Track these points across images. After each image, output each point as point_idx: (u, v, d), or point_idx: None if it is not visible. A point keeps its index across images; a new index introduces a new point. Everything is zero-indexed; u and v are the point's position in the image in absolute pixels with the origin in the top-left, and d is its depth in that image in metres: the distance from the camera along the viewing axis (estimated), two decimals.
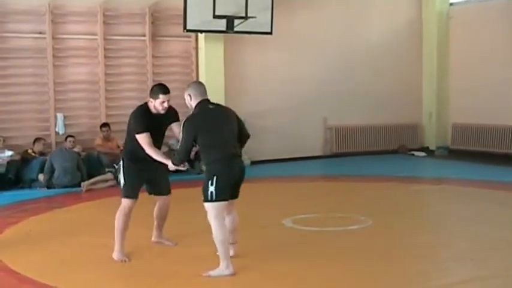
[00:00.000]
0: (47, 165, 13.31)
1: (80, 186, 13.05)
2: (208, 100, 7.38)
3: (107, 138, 14.67)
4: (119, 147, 14.53)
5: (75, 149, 13.90)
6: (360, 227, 9.36)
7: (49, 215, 10.86)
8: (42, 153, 13.92)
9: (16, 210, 11.07)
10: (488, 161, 16.08)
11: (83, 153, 14.18)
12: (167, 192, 8.28)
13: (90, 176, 13.50)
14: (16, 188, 13.29)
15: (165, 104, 7.74)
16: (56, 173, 13.23)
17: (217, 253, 7.20)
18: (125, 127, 14.61)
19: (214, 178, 7.06)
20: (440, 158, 17.45)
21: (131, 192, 7.84)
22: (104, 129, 14.64)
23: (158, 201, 8.30)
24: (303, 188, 13.51)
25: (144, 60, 15.52)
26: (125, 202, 7.85)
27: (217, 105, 7.48)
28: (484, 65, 17.20)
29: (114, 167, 13.83)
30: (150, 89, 8.08)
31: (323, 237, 8.90)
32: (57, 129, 14.52)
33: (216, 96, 15.54)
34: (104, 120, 14.85)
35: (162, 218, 8.39)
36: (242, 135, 7.67)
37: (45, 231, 9.61)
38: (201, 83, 7.77)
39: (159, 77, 15.53)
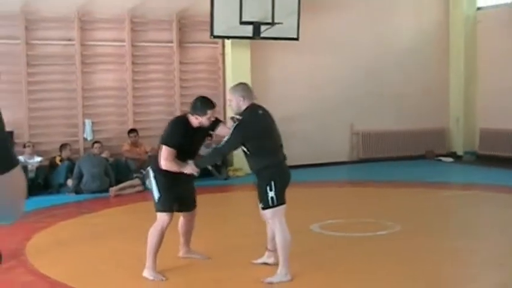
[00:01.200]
0: (75, 171, 13.44)
1: (108, 191, 13.17)
2: (256, 104, 7.33)
3: (134, 144, 14.77)
4: (146, 152, 14.66)
5: (103, 155, 14.01)
6: (388, 233, 9.36)
7: (78, 220, 11.00)
8: (69, 159, 14.04)
9: (45, 215, 11.17)
10: None
11: (111, 159, 14.28)
12: (194, 207, 7.92)
13: (118, 182, 13.61)
14: (45, 193, 13.42)
15: (212, 118, 7.38)
16: (84, 179, 13.36)
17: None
18: (152, 133, 14.85)
19: (273, 183, 7.01)
20: (468, 164, 17.36)
21: (168, 206, 7.40)
22: (131, 135, 14.74)
23: (183, 216, 7.91)
24: (330, 193, 13.52)
25: (172, 66, 15.63)
26: (162, 217, 7.37)
27: (264, 109, 7.40)
28: (511, 70, 17.13)
29: (142, 172, 13.93)
30: (193, 103, 7.44)
31: (351, 243, 8.91)
32: (85, 135, 14.66)
33: None
34: (131, 126, 14.96)
35: (189, 233, 8.05)
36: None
37: (75, 236, 9.72)
38: (248, 85, 7.70)
39: (186, 83, 15.67)
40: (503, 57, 17.43)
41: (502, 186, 13.35)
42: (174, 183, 7.35)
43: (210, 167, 15.02)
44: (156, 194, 7.39)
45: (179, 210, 7.73)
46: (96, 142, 14.17)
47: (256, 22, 14.96)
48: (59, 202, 12.51)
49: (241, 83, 7.65)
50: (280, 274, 6.99)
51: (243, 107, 7.19)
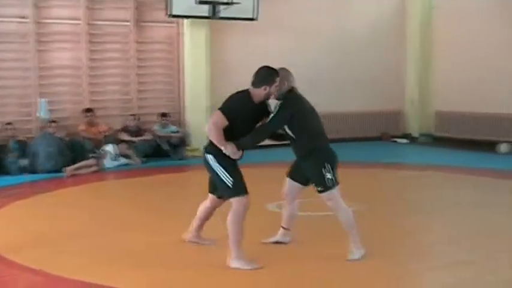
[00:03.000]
0: (30, 150, 13.27)
1: (63, 171, 13.01)
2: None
3: (90, 124, 14.64)
4: (101, 132, 14.57)
5: (59, 134, 13.85)
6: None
7: (33, 200, 10.84)
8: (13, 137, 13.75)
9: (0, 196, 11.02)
10: (471, 148, 16.20)
11: (67, 139, 14.13)
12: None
13: (73, 161, 13.46)
14: None
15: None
16: (39, 158, 13.19)
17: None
18: (108, 112, 14.74)
19: (328, 165, 6.96)
20: (424, 145, 17.56)
21: (243, 188, 6.92)
22: (87, 114, 14.62)
23: (212, 202, 7.50)
24: None
25: (128, 45, 15.51)
26: (242, 201, 6.86)
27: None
28: (466, 54, 17.33)
29: (98, 152, 13.85)
30: (260, 74, 7.15)
31: (309, 221, 8.93)
32: (38, 114, 14.41)
33: (200, 82, 15.72)
34: (87, 106, 14.80)
35: (206, 219, 7.64)
36: None
37: (31, 216, 9.61)
38: (289, 70, 7.42)
39: (142, 63, 15.60)
40: (457, 42, 17.69)
41: (458, 167, 13.51)
42: (235, 163, 6.97)
43: (165, 147, 14.97)
44: (227, 180, 6.83)
45: (213, 192, 7.42)
46: (52, 121, 14.01)
47: (214, 2, 14.92)
48: (14, 182, 12.34)
49: (281, 68, 7.35)
50: (357, 250, 6.96)
51: (285, 90, 7.08)
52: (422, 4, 18.70)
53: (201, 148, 15.38)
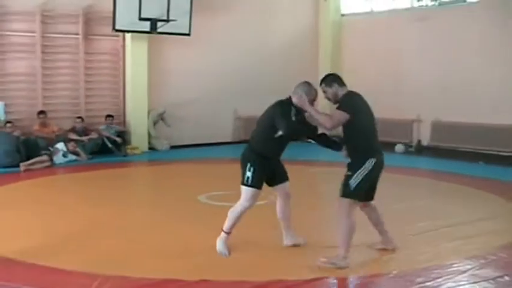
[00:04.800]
0: None
1: (18, 167, 12.89)
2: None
3: (43, 124, 14.52)
4: (54, 132, 14.51)
5: (15, 133, 13.70)
6: (265, 203, 9.55)
7: None
8: None
9: None
10: None
11: (22, 137, 13.97)
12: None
13: (28, 158, 13.31)
14: None
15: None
16: None
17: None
18: (59, 115, 14.64)
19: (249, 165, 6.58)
20: None
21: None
22: (41, 116, 14.49)
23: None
24: (217, 169, 13.70)
25: (77, 56, 15.36)
26: (351, 202, 6.36)
27: None
28: (371, 66, 17.77)
29: (50, 149, 13.77)
30: (325, 77, 6.73)
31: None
32: None
33: (140, 88, 15.78)
34: (41, 108, 14.68)
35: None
36: None
37: None
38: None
39: (90, 71, 15.55)
40: (363, 57, 18.08)
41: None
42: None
43: (109, 145, 14.95)
44: (355, 181, 6.29)
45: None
46: (8, 122, 13.85)
47: (154, 19, 14.98)
48: None
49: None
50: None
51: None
52: (333, 22, 19.04)
53: (141, 146, 15.64)
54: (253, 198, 6.70)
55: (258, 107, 17.86)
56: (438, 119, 16.37)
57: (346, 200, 6.32)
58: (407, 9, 17.48)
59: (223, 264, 6.49)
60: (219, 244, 6.78)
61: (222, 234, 6.82)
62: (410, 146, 16.58)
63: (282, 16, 18.68)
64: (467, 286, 5.86)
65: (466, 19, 15.77)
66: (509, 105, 14.77)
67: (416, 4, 17.48)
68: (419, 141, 16.65)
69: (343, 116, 6.29)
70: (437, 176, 12.57)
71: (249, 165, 6.61)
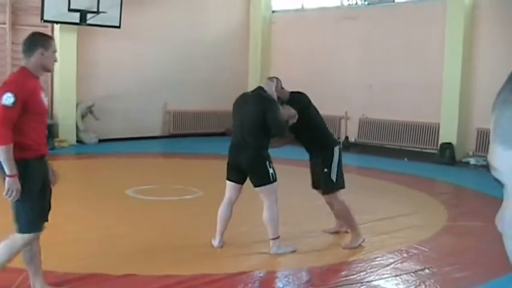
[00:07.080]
0: None
1: None
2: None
3: None
4: None
5: None
6: (193, 197, 9.60)
7: None
8: None
9: None
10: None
11: None
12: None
13: None
14: None
15: None
16: None
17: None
18: None
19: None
20: None
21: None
22: None
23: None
24: (145, 163, 13.61)
25: (4, 46, 14.99)
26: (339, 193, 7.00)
27: (251, 92, 7.35)
28: (300, 63, 17.91)
29: None
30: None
31: (161, 205, 9.08)
32: None
33: (69, 79, 15.50)
34: None
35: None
36: None
37: None
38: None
39: (17, 62, 15.04)
40: (293, 52, 18.23)
41: (296, 160, 13.94)
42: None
43: None
44: (334, 175, 6.97)
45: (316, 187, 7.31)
46: None
47: (83, 10, 14.72)
48: None
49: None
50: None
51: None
52: (263, 19, 19.11)
53: (68, 139, 15.34)
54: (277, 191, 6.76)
55: (187, 102, 18.22)
56: (365, 116, 16.65)
57: (335, 193, 6.91)
58: (337, 8, 17.70)
59: (149, 258, 6.44)
60: (279, 250, 6.62)
61: (274, 241, 6.65)
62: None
63: (213, 11, 18.64)
64: (389, 279, 6.00)
65: (394, 19, 16.08)
66: (431, 105, 15.12)
67: (346, 2, 17.72)
68: (346, 138, 16.89)
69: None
70: (363, 172, 12.78)
71: (267, 162, 6.66)
